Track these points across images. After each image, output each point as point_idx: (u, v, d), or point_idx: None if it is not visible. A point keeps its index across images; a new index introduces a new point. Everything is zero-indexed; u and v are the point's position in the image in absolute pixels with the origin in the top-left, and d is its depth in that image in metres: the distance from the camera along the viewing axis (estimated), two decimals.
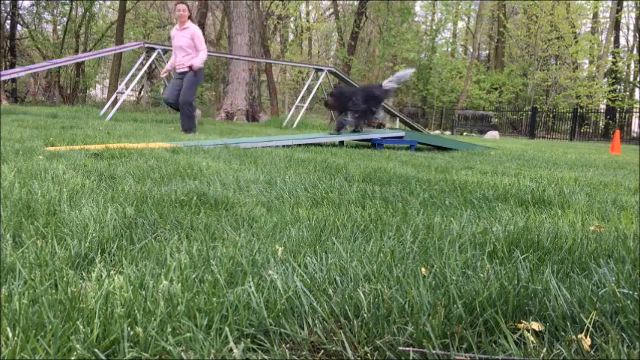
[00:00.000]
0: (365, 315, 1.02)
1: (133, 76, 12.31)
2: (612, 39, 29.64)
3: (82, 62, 28.34)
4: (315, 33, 35.38)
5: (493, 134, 19.58)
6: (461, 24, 36.47)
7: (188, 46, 7.90)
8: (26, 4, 44.64)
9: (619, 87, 28.96)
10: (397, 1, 25.03)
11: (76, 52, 29.40)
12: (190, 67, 7.69)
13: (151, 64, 13.69)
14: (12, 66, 24.93)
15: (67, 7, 29.67)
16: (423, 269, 1.30)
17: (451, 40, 37.63)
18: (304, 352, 0.93)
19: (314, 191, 2.47)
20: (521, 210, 2.25)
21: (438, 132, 22.67)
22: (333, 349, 0.94)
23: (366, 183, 2.92)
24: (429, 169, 4.04)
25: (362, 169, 3.53)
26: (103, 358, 0.86)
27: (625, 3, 29.75)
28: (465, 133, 23.02)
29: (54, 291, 1.07)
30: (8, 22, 27.52)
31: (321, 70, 15.17)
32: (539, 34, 27.18)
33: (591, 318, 1.03)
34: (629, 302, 1.08)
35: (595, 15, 30.13)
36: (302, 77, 31.20)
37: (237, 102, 16.94)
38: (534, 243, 1.58)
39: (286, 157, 4.16)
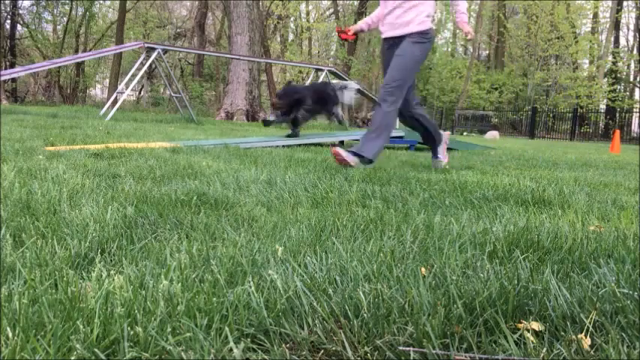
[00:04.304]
0: (365, 315, 1.02)
1: (133, 76, 12.32)
2: (612, 39, 29.62)
3: (82, 62, 28.35)
4: (315, 33, 35.36)
5: (493, 134, 19.57)
6: None
7: None
8: (26, 4, 44.64)
9: (619, 87, 28.94)
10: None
11: (76, 52, 29.40)
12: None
13: (150, 64, 13.69)
14: (12, 66, 24.92)
15: (67, 7, 29.67)
16: (423, 269, 1.30)
17: (451, 40, 37.61)
18: (304, 352, 0.93)
19: (314, 191, 2.47)
20: (522, 210, 2.25)
21: None
22: (333, 348, 0.94)
23: (366, 183, 2.92)
24: (429, 169, 4.04)
25: (362, 168, 3.53)
26: (103, 358, 0.85)
27: (625, 3, 29.74)
28: (464, 133, 23.01)
29: (54, 291, 1.07)
30: (8, 22, 27.52)
31: (321, 70, 15.17)
32: (540, 34, 27.17)
33: (591, 318, 1.03)
34: (629, 302, 1.08)
35: (595, 15, 30.12)
36: (302, 77, 31.19)
37: (237, 102, 16.94)
38: (534, 243, 1.58)
39: (286, 157, 4.16)
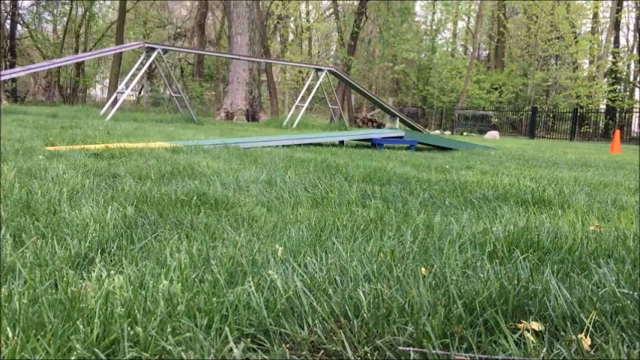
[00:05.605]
0: (365, 315, 1.02)
1: (133, 75, 12.31)
2: (612, 39, 29.59)
3: (82, 62, 28.34)
4: (315, 33, 35.37)
5: (493, 134, 19.56)
6: (461, 24, 36.47)
7: None
8: (26, 4, 44.65)
9: (619, 87, 28.90)
10: (397, 0, 25.01)
11: (76, 52, 29.39)
12: None
13: (150, 64, 13.68)
14: (12, 66, 24.91)
15: (67, 7, 29.67)
16: (423, 269, 1.30)
17: (451, 40, 37.60)
18: (304, 352, 0.93)
19: (314, 191, 2.47)
20: (522, 210, 2.25)
21: (438, 132, 22.65)
22: (333, 348, 0.94)
23: (366, 183, 2.92)
24: (429, 169, 4.04)
25: (362, 169, 3.53)
26: (103, 357, 0.85)
27: (625, 3, 29.72)
28: (465, 133, 22.99)
29: (54, 291, 1.07)
30: (8, 22, 27.51)
31: (321, 70, 15.17)
32: (540, 34, 27.17)
33: (591, 318, 1.03)
34: (629, 302, 1.08)
35: (595, 15, 30.11)
36: (302, 77, 31.17)
37: (237, 102, 16.94)
38: (534, 243, 1.58)
39: (286, 157, 4.16)
